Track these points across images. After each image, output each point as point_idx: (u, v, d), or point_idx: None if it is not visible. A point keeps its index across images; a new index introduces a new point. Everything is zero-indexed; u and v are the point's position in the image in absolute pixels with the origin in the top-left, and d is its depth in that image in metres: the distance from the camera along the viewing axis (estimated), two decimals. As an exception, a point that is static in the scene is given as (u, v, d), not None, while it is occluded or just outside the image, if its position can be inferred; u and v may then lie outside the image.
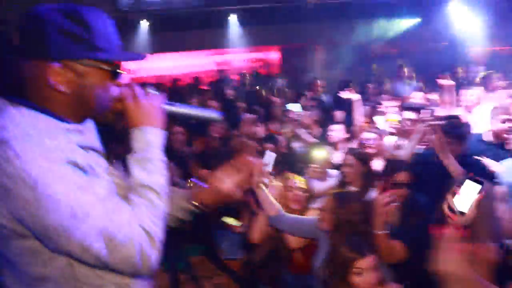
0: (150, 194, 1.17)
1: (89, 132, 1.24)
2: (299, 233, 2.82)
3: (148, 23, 9.63)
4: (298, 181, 3.09)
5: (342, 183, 3.31)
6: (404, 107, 4.55)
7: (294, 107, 5.47)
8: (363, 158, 3.29)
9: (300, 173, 3.90)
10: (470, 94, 4.89)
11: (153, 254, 1.12)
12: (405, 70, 7.08)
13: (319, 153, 3.77)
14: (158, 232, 1.15)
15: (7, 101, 1.10)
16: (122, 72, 1.22)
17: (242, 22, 9.80)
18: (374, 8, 9.11)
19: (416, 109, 4.32)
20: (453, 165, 3.06)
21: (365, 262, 2.09)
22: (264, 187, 2.69)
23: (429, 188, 2.99)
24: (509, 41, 8.08)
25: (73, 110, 1.16)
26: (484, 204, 1.63)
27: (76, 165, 1.06)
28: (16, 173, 0.99)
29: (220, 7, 9.38)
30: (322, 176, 3.72)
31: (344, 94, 4.79)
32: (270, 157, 2.71)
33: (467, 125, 3.68)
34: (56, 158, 1.03)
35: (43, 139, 1.04)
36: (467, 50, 8.54)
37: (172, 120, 1.44)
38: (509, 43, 8.26)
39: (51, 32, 1.08)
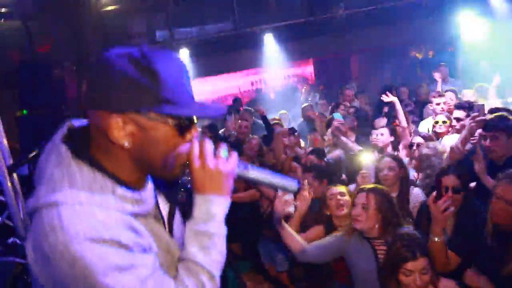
0: (202, 275, 1.07)
1: (148, 198, 1.11)
2: (328, 258, 2.77)
3: (188, 51, 9.95)
4: (338, 188, 3.07)
5: None
6: (456, 106, 4.44)
7: (337, 116, 5.46)
8: (401, 162, 3.24)
9: (344, 181, 3.90)
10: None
11: None
12: (446, 70, 6.89)
13: (367, 159, 3.73)
14: None
15: (71, 152, 1.03)
16: (192, 127, 1.08)
17: (278, 39, 9.92)
18: (404, 10, 9.00)
19: (467, 107, 4.21)
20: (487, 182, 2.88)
21: (417, 264, 2.04)
22: (285, 224, 2.66)
23: (481, 188, 2.89)
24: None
25: (132, 167, 1.06)
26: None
27: (120, 244, 0.97)
28: (57, 245, 0.93)
29: (252, 28, 9.59)
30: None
31: (386, 98, 4.72)
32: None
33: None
34: (99, 238, 0.95)
35: (93, 211, 0.97)
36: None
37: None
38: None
39: (115, 81, 0.98)
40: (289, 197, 2.63)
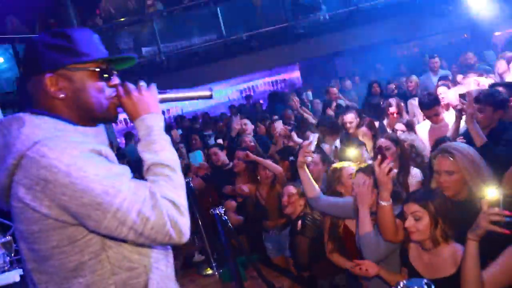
0: (162, 169, 1.27)
1: (101, 134, 1.37)
2: (336, 214, 2.95)
3: (171, 63, 10.07)
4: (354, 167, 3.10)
5: None
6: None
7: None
8: (396, 140, 3.38)
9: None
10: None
11: (183, 221, 1.22)
12: (437, 60, 7.01)
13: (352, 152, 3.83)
14: (182, 201, 1.24)
15: (29, 114, 1.26)
16: (110, 71, 1.35)
17: (260, 46, 10.15)
18: (382, 10, 9.27)
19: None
20: (475, 132, 3.09)
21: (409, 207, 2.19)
22: (306, 169, 2.84)
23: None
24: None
25: (77, 113, 1.30)
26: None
27: (100, 153, 1.21)
28: (52, 164, 1.12)
29: (237, 35, 9.78)
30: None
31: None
32: (313, 137, 2.88)
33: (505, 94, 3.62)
34: (83, 148, 1.17)
35: (69, 137, 1.20)
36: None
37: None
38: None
39: (40, 49, 1.26)
40: (311, 148, 2.84)
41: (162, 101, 1.43)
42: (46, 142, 1.15)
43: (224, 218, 3.33)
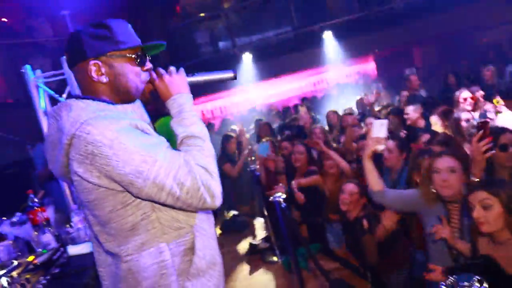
0: (194, 140, 1.42)
1: (138, 109, 1.54)
2: (401, 207, 2.77)
3: (250, 56, 10.34)
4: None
5: None
6: None
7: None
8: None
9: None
10: None
11: (215, 186, 1.35)
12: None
13: None
14: (213, 167, 1.38)
15: (75, 99, 1.42)
16: (144, 57, 1.49)
17: (337, 36, 9.97)
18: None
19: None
20: None
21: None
22: (371, 160, 2.67)
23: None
24: None
25: (117, 95, 1.45)
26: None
27: (137, 127, 1.34)
28: (97, 140, 1.27)
29: (310, 27, 9.77)
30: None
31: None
32: (382, 125, 2.65)
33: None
34: (121, 124, 1.31)
35: (109, 115, 1.34)
36: None
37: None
38: None
39: (84, 38, 1.40)
40: (382, 135, 2.63)
41: (191, 83, 1.59)
42: (90, 121, 1.30)
43: (283, 205, 3.43)
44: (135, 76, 1.47)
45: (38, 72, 3.83)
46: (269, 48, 10.25)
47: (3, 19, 9.40)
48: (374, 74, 12.35)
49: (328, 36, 10.05)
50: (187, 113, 1.48)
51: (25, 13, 9.25)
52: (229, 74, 1.66)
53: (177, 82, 1.53)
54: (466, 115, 3.95)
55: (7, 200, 3.47)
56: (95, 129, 1.28)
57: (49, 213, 3.17)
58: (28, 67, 3.74)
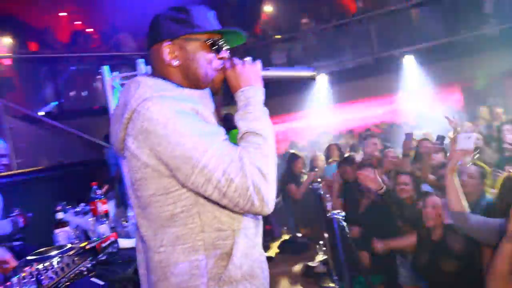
0: (254, 138, 1.31)
1: (205, 97, 1.46)
2: (484, 236, 2.45)
3: (326, 77, 10.19)
4: None
5: None
6: None
7: None
8: None
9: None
10: None
11: (267, 190, 1.24)
12: None
13: None
14: (269, 169, 1.27)
15: (145, 76, 1.41)
16: (220, 45, 1.44)
17: (419, 62, 9.49)
18: None
19: None
20: None
21: None
22: (456, 176, 2.43)
23: None
24: None
25: (186, 80, 1.42)
26: None
27: (197, 112, 1.30)
28: (153, 117, 1.24)
29: (390, 52, 9.45)
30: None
31: None
32: (469, 138, 2.43)
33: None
34: (183, 106, 1.28)
35: (173, 96, 1.32)
36: None
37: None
38: None
39: (162, 21, 1.40)
40: (469, 147, 2.41)
41: (265, 77, 1.48)
42: (153, 99, 1.28)
43: (341, 224, 3.23)
44: (207, 62, 1.43)
45: (115, 73, 4.05)
46: (346, 72, 10.07)
47: (92, 33, 10.40)
48: (459, 105, 11.54)
49: (408, 61, 9.63)
50: (253, 107, 1.39)
51: (112, 29, 10.08)
52: (308, 72, 1.53)
53: (249, 73, 1.44)
54: None
55: (76, 193, 3.66)
56: (155, 106, 1.26)
57: (110, 206, 3.30)
58: (106, 67, 3.98)
